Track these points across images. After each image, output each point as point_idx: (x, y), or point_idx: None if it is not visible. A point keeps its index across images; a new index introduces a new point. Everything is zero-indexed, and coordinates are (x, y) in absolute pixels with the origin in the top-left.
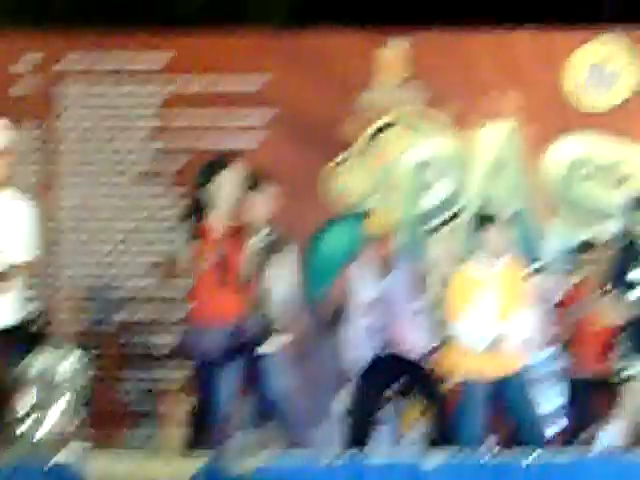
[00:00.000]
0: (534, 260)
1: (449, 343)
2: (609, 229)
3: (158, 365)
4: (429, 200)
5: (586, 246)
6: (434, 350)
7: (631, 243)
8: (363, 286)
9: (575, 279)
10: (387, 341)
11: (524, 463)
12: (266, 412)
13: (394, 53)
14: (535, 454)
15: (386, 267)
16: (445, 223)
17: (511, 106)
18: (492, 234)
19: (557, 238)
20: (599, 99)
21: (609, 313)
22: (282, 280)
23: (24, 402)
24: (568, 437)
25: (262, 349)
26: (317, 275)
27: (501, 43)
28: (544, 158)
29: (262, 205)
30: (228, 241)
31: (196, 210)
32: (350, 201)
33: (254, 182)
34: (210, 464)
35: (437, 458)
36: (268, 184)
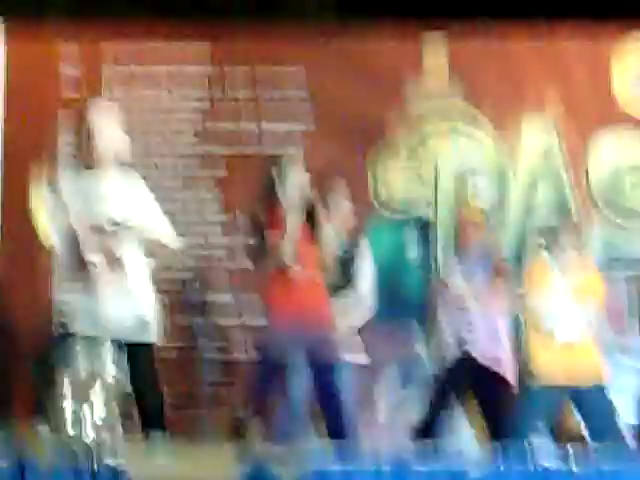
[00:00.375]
0: None
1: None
2: None
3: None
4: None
5: None
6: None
7: None
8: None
9: None
10: (468, 341)
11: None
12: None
13: (436, 49)
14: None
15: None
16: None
17: (553, 102)
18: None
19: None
20: None
21: None
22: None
23: (73, 399)
24: None
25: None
26: None
27: (544, 37)
28: (587, 158)
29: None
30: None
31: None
32: (395, 202)
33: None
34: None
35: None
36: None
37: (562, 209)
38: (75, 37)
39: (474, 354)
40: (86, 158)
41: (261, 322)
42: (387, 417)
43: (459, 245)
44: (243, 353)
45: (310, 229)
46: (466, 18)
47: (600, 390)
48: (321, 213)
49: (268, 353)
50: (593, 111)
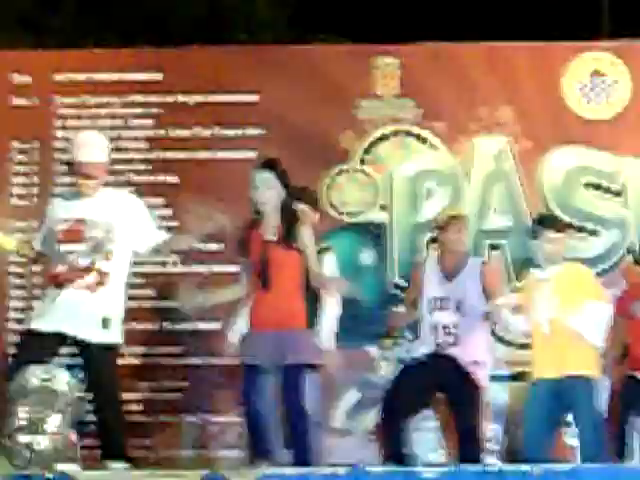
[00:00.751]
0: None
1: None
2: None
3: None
4: (429, 211)
5: None
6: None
7: None
8: (433, 282)
9: None
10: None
11: None
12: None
13: (387, 66)
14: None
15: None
16: None
17: (505, 119)
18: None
19: None
20: (593, 111)
21: None
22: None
23: (23, 413)
24: None
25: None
26: None
27: (496, 56)
28: (541, 169)
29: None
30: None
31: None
32: (348, 212)
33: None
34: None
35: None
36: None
37: (515, 212)
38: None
39: (453, 353)
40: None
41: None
42: (344, 422)
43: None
44: (197, 358)
45: (287, 232)
46: (418, 40)
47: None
48: (299, 215)
49: (247, 357)
50: (545, 125)
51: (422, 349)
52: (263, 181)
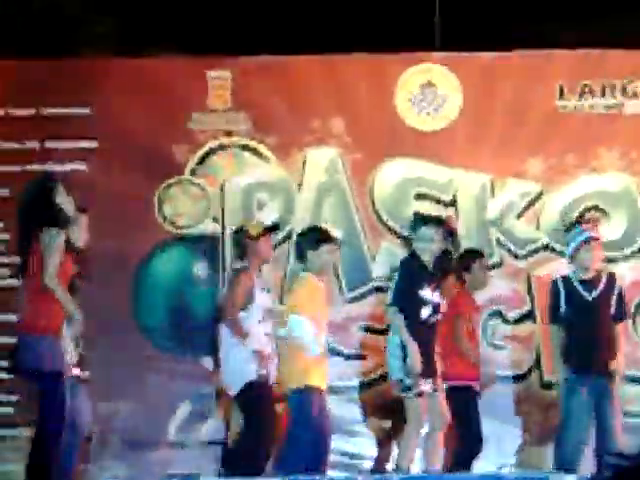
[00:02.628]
0: (366, 281)
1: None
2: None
3: None
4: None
5: None
6: None
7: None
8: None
9: None
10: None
11: None
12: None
13: (220, 79)
14: None
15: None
16: (276, 245)
17: (337, 131)
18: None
19: (388, 258)
20: (425, 123)
21: None
22: None
23: None
24: None
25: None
26: (147, 299)
27: (328, 68)
28: (372, 180)
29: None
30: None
31: None
32: (180, 224)
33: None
34: None
35: None
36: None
37: (347, 223)
38: None
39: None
40: None
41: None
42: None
43: None
44: None
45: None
46: (250, 53)
47: None
48: None
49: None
50: (376, 137)
51: None
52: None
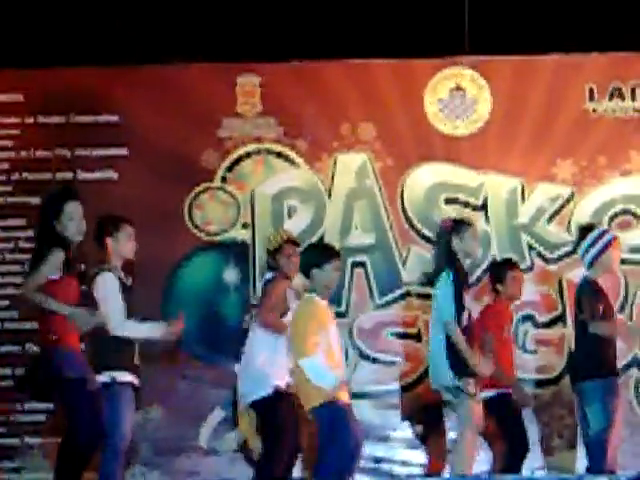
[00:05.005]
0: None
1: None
2: None
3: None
4: (291, 228)
5: None
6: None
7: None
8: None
9: None
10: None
11: None
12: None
13: (249, 85)
14: None
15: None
16: None
17: (366, 136)
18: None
19: (418, 263)
20: (454, 127)
21: None
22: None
23: None
24: None
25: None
26: (178, 305)
27: (357, 73)
28: (402, 185)
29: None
30: None
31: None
32: (211, 231)
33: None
34: None
35: None
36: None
37: (378, 229)
38: None
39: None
40: None
41: None
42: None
43: None
44: None
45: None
46: (280, 59)
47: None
48: None
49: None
50: (406, 142)
51: None
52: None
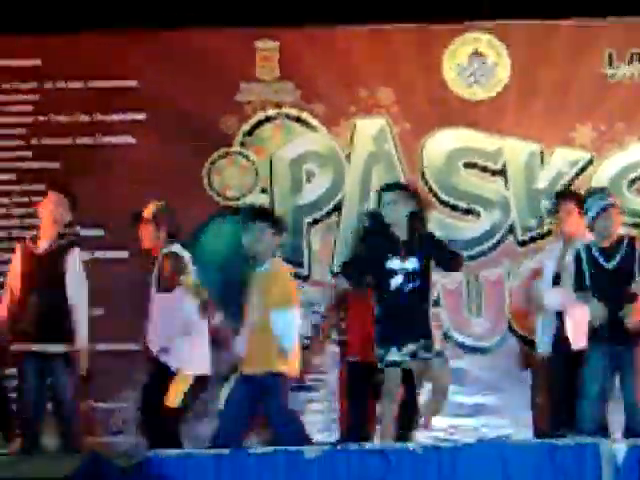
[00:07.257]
0: None
1: None
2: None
3: None
4: (309, 193)
5: None
6: None
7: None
8: None
9: None
10: None
11: None
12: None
13: (268, 50)
14: None
15: None
16: (327, 215)
17: (385, 101)
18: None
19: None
20: (473, 92)
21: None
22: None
23: None
24: None
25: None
26: (198, 271)
27: (375, 38)
28: (421, 150)
29: None
30: None
31: None
32: (229, 196)
33: None
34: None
35: None
36: None
37: None
38: None
39: None
40: None
41: None
42: None
43: None
44: None
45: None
46: (298, 23)
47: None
48: None
49: None
50: (425, 106)
51: None
52: None
